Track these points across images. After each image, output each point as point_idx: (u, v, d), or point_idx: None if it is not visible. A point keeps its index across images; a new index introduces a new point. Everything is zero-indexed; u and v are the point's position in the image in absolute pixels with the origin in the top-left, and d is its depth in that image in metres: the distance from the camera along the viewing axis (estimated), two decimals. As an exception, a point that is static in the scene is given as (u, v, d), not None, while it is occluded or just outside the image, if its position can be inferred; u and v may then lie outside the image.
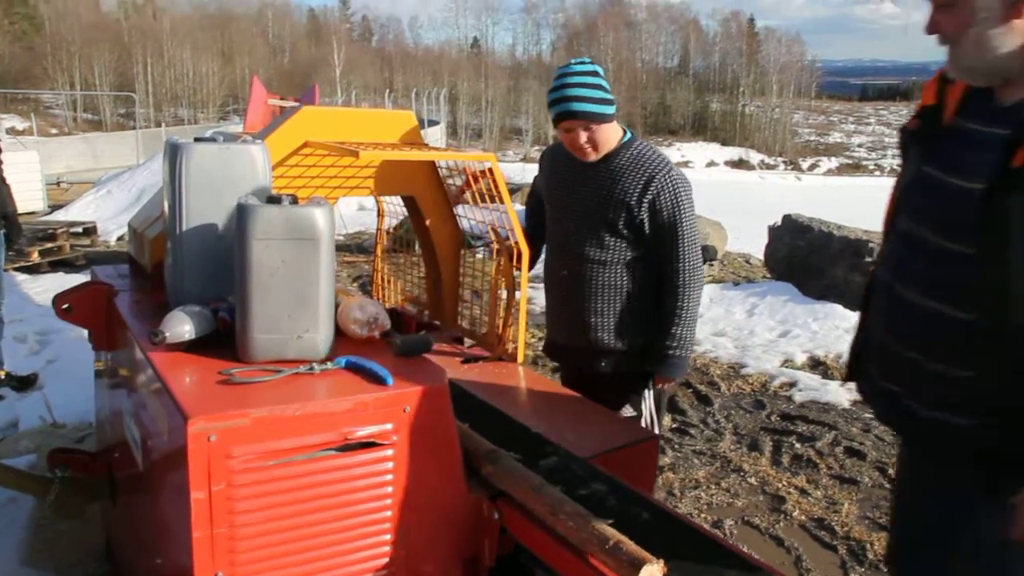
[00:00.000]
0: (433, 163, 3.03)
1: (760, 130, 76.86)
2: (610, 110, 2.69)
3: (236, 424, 1.61)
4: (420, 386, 1.84)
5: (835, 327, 6.57)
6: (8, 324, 5.55)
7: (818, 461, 4.32)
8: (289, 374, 1.83)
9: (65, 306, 2.48)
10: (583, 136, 2.69)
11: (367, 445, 1.76)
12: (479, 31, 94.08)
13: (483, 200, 2.92)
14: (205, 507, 1.60)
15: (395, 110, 2.99)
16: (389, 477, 1.80)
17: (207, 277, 2.13)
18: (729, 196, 21.24)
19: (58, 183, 19.58)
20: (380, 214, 3.63)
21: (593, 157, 2.74)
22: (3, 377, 5.17)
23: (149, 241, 2.55)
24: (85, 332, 2.56)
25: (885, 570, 2.89)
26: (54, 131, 42.33)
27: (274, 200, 1.89)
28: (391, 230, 3.70)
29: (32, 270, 9.16)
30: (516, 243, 2.84)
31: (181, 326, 1.92)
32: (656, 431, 2.84)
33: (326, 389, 1.79)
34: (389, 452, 1.78)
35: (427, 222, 3.09)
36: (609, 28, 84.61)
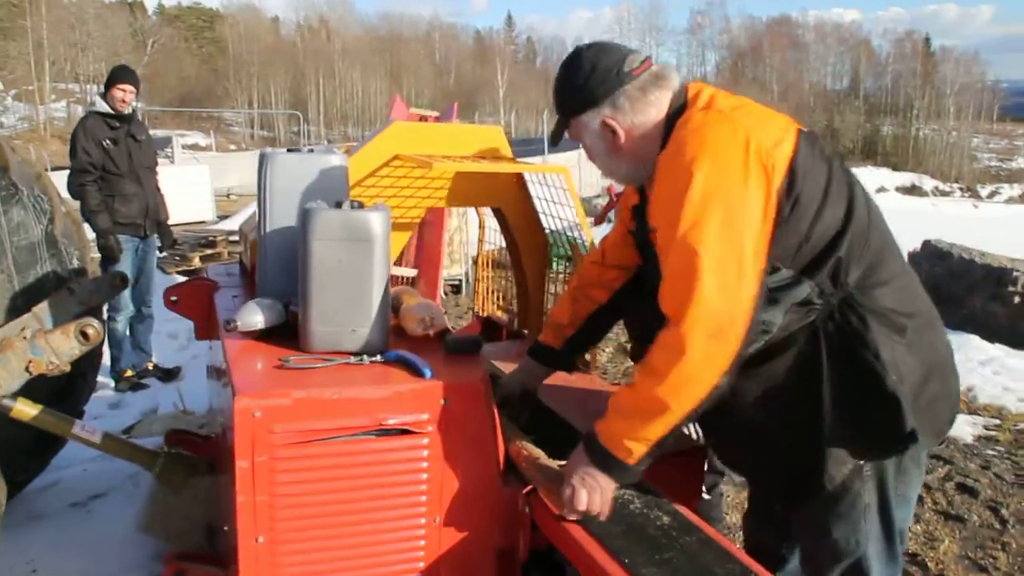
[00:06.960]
0: (521, 176, 3.16)
1: (935, 154, 72.39)
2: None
3: (278, 403, 1.79)
4: (458, 381, 1.96)
5: (969, 359, 6.23)
6: (163, 321, 6.05)
7: (924, 495, 4.15)
8: (339, 363, 1.99)
9: (173, 298, 2.76)
10: None
11: (403, 432, 1.90)
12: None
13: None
14: (248, 476, 1.77)
15: (483, 125, 3.14)
16: (424, 464, 1.92)
17: (286, 274, 2.32)
18: (905, 225, 20.26)
19: (228, 195, 20.92)
20: (481, 226, 3.78)
21: None
22: (151, 368, 5.67)
23: (250, 243, 2.79)
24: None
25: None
26: (232, 147, 45.05)
27: (338, 204, 2.06)
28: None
29: (192, 274, 9.86)
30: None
31: (253, 316, 2.13)
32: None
33: (367, 378, 1.94)
34: (424, 440, 1.91)
35: (513, 233, 3.21)
36: (775, 49, 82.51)
